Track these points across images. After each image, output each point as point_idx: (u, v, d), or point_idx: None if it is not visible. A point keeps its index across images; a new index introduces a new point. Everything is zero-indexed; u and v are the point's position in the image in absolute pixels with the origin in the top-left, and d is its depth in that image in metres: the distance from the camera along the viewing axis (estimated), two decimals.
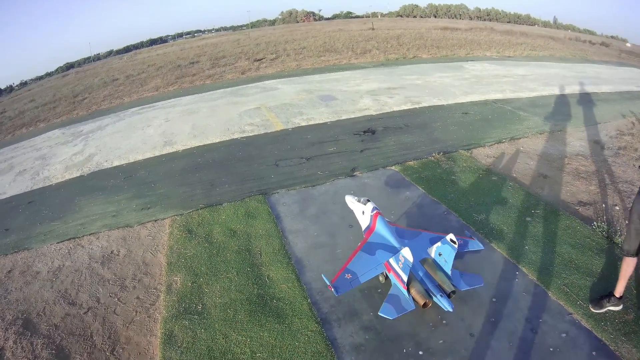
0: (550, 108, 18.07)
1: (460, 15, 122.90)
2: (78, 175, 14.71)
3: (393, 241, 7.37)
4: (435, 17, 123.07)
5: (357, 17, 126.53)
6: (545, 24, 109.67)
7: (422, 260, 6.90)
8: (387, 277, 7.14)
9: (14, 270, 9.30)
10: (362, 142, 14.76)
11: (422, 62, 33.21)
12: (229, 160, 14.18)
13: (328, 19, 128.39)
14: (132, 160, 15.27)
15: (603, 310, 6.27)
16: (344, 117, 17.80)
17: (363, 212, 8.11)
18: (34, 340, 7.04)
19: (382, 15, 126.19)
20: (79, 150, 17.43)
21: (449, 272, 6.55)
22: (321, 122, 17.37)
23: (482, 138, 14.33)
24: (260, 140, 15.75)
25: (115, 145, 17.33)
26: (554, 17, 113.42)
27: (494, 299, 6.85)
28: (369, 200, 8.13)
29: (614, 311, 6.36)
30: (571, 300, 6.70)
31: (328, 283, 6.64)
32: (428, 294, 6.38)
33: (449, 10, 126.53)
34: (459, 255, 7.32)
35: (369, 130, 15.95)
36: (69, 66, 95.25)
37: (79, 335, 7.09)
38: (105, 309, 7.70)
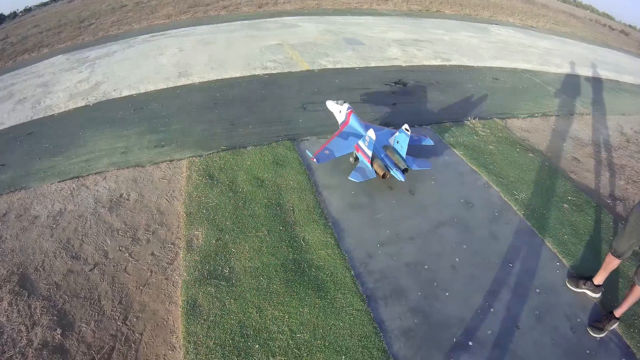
0: (577, 88, 17.14)
1: None
2: (83, 105, 13.42)
3: (362, 131, 9.24)
4: None
5: None
6: (565, 0, 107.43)
7: (384, 146, 8.90)
8: (356, 158, 9.14)
9: (9, 214, 8.19)
10: (393, 95, 13.63)
11: (446, 17, 31.70)
12: (251, 98, 12.94)
13: None
14: (143, 91, 13.95)
15: (604, 334, 5.95)
16: (372, 64, 16.51)
17: (340, 111, 10.10)
18: (32, 302, 5.99)
19: None
20: (85, 78, 16.00)
21: (404, 155, 8.54)
22: (349, 66, 16.05)
23: (515, 109, 13.60)
24: (284, 79, 14.43)
25: (125, 73, 15.89)
26: None
27: (537, 290, 6.55)
28: (345, 102, 10.11)
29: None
30: (607, 302, 6.42)
31: (311, 155, 8.62)
32: (387, 168, 8.40)
33: None
34: (416, 148, 9.72)
35: (400, 82, 14.75)
36: None
37: (85, 297, 6.05)
38: (114, 266, 6.66)
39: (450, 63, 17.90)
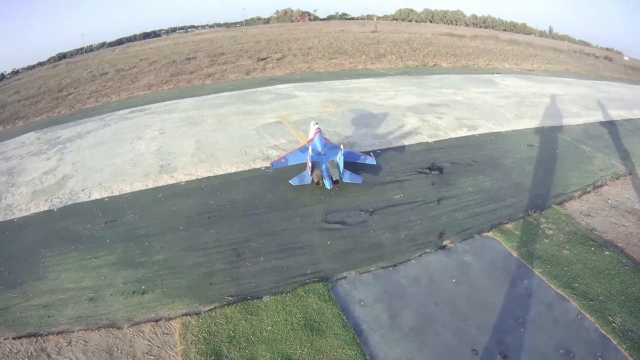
0: (605, 140, 16.80)
1: (456, 21, 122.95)
2: (46, 209, 10.89)
3: (319, 147, 11.30)
4: (431, 22, 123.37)
5: (352, 18, 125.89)
6: (542, 34, 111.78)
7: (330, 161, 10.86)
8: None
9: None
10: (433, 186, 11.47)
11: (446, 72, 31.18)
12: (254, 205, 10.34)
13: (323, 19, 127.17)
14: (117, 193, 11.36)
15: None
16: (394, 144, 14.30)
17: (311, 130, 12.26)
18: None
19: (378, 18, 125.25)
20: (52, 167, 13.53)
21: (341, 169, 10.59)
22: (368, 149, 13.71)
23: (566, 185, 12.34)
24: (291, 172, 11.65)
25: (96, 164, 13.37)
26: (550, 27, 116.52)
27: None
28: (317, 124, 12.44)
29: None
30: None
31: (270, 164, 11.29)
32: (322, 178, 10.46)
33: (445, 16, 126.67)
34: (357, 165, 11.82)
35: (434, 166, 12.70)
36: (61, 56, 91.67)
37: None
38: None
39: (478, 132, 16.24)
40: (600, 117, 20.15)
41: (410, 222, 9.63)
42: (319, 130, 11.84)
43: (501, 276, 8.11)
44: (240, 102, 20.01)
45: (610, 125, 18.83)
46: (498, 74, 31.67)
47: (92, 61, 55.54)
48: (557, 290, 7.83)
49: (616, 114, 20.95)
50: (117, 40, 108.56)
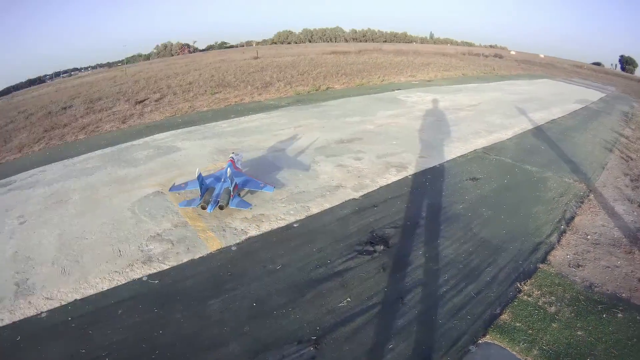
0: (545, 153, 16.96)
1: (336, 38, 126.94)
2: None
3: (221, 174, 11.52)
4: (310, 42, 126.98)
5: (232, 46, 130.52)
6: (423, 41, 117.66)
7: (226, 187, 10.80)
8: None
9: None
10: (385, 273, 8.60)
11: (342, 95, 29.99)
12: (144, 356, 6.72)
13: (203, 50, 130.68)
14: None
15: None
16: (314, 211, 11.22)
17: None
18: None
19: (257, 43, 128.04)
20: None
21: (231, 196, 10.64)
22: (284, 223, 10.57)
23: (536, 227, 10.63)
24: (187, 282, 8.39)
25: None
26: (430, 32, 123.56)
27: None
28: (233, 152, 13.29)
29: None
30: None
31: (170, 187, 11.57)
32: (208, 203, 10.44)
33: (324, 34, 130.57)
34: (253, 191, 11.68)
35: (376, 237, 9.78)
36: None
37: None
38: None
39: (410, 172, 14.16)
40: (526, 125, 20.80)
41: (378, 350, 6.66)
42: (232, 160, 12.09)
43: None
44: (113, 164, 16.21)
45: (539, 132, 19.56)
46: (399, 89, 31.70)
47: None
48: None
49: (538, 117, 22.17)
50: (5, 89, 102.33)
